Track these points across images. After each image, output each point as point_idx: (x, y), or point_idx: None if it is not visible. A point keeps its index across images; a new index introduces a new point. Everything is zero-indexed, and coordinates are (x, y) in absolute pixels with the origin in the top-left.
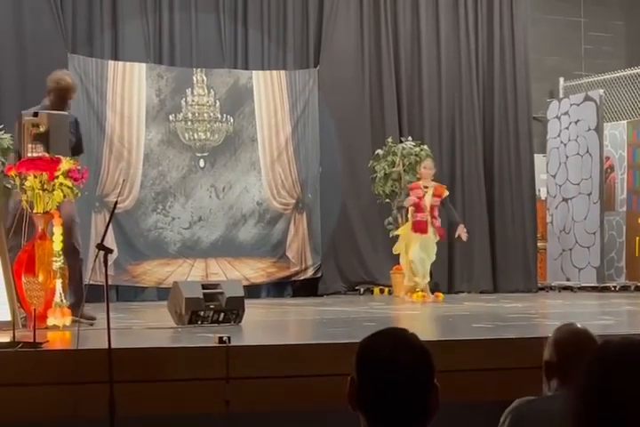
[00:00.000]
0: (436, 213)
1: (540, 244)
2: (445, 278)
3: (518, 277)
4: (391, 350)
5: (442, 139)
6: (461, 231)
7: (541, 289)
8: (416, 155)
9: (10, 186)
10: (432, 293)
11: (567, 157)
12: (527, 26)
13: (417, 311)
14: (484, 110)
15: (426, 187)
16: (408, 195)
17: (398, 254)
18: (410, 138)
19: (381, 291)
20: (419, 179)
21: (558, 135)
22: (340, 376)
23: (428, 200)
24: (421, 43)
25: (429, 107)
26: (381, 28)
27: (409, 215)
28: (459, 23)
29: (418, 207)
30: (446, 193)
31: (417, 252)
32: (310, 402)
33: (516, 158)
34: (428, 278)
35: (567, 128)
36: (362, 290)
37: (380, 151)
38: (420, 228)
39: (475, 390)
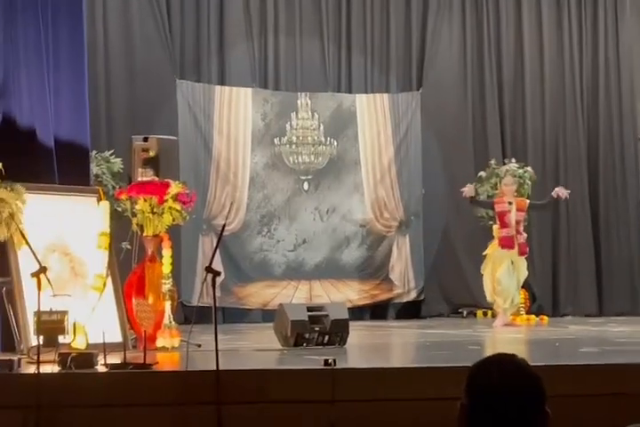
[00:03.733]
0: (521, 229)
1: None
2: (550, 301)
3: (625, 300)
4: (502, 376)
5: (545, 160)
6: (559, 191)
7: None
8: (520, 177)
9: (120, 209)
10: (536, 316)
11: None
12: (633, 46)
13: (521, 335)
14: (588, 131)
15: (510, 203)
16: (493, 209)
17: None
18: (513, 160)
19: (484, 314)
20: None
21: None
22: (446, 400)
23: (513, 216)
24: (525, 63)
25: (533, 128)
26: (484, 49)
27: (494, 232)
28: (562, 43)
29: (503, 223)
30: (527, 202)
31: (505, 271)
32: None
33: (621, 180)
34: (517, 301)
35: None
36: (465, 313)
37: (482, 173)
38: (507, 243)
39: (585, 417)
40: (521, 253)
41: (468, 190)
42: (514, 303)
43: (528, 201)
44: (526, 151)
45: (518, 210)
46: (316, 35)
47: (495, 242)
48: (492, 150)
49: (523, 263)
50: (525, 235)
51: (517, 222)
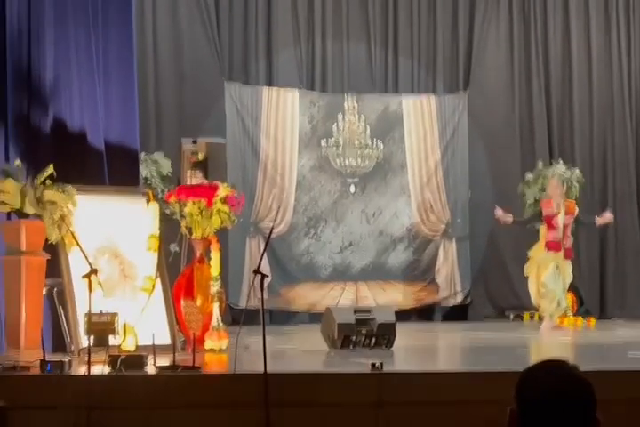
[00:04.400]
0: (569, 232)
1: None
2: (597, 304)
3: None
4: (552, 382)
5: (593, 162)
6: (606, 217)
7: None
8: (567, 179)
9: (169, 212)
10: (583, 318)
11: None
12: None
13: (568, 338)
14: (636, 133)
15: (558, 205)
16: (540, 212)
17: None
18: (561, 161)
19: (531, 317)
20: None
21: None
22: (494, 405)
23: (561, 219)
24: (572, 65)
25: (580, 130)
26: (531, 50)
27: (540, 234)
28: (610, 45)
29: (550, 225)
30: (577, 210)
31: (551, 274)
32: None
33: None
34: (564, 304)
35: None
36: (511, 316)
37: (530, 175)
38: (553, 246)
39: (635, 423)
40: (566, 257)
41: (502, 215)
42: (560, 307)
43: (577, 209)
44: (574, 153)
45: (567, 213)
46: (363, 36)
47: (541, 244)
48: (540, 152)
49: (568, 267)
50: (572, 238)
51: (565, 226)
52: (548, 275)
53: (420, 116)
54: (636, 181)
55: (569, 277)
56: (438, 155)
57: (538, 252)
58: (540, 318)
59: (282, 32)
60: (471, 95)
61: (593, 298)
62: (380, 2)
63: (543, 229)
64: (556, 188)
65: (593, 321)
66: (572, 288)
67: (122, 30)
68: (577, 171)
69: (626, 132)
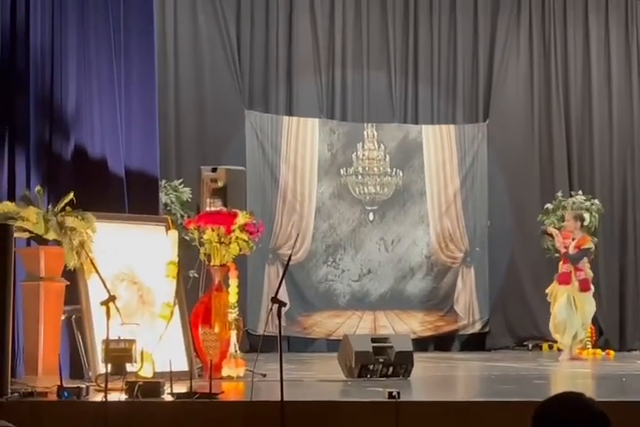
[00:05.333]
0: (580, 265)
1: None
2: (617, 335)
3: None
4: (569, 415)
5: (613, 193)
6: None
7: None
8: (587, 209)
9: (188, 238)
10: (603, 350)
11: None
12: None
13: (587, 369)
14: None
15: (573, 239)
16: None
17: None
18: (580, 192)
19: (550, 347)
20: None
21: None
22: None
23: (571, 252)
24: (592, 95)
25: (600, 160)
26: (551, 80)
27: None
28: (631, 75)
29: (563, 258)
30: (588, 245)
31: (563, 306)
32: None
33: None
34: (582, 336)
35: None
36: (530, 346)
37: (549, 205)
38: (563, 279)
39: None
40: (582, 290)
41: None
42: (576, 340)
43: (590, 245)
44: (593, 184)
45: (576, 247)
46: (383, 66)
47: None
48: (559, 182)
49: (586, 300)
50: (588, 271)
51: None
52: (559, 306)
53: (440, 144)
54: None
55: (589, 311)
56: (457, 184)
57: (553, 285)
58: (560, 349)
59: (302, 60)
60: (491, 125)
61: (613, 329)
62: (400, 31)
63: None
64: (570, 220)
65: (612, 353)
66: (592, 319)
67: (143, 58)
68: (596, 202)
69: None
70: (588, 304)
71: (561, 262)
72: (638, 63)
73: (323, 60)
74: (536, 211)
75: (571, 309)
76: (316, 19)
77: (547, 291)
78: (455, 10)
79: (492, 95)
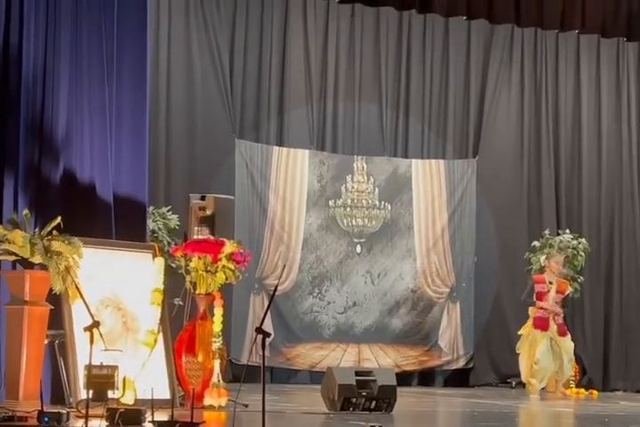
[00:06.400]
0: (559, 310)
1: None
2: (600, 375)
3: None
4: None
5: (600, 232)
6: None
7: None
8: (573, 248)
9: (174, 266)
10: (586, 389)
11: None
12: None
13: (570, 409)
14: None
15: (550, 282)
16: (532, 287)
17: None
18: (567, 230)
19: None
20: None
21: None
22: None
23: (552, 297)
24: (582, 134)
25: (588, 199)
26: (542, 118)
27: (529, 311)
28: (621, 116)
29: (540, 302)
30: (569, 289)
31: (544, 353)
32: None
33: None
34: (568, 374)
35: None
36: (514, 383)
37: (536, 243)
38: (540, 324)
39: None
40: (561, 334)
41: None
42: (564, 375)
43: (570, 289)
44: (581, 222)
45: (558, 292)
46: (375, 99)
47: (530, 322)
48: (547, 220)
49: (566, 343)
50: (562, 315)
51: (556, 304)
52: (541, 352)
53: (429, 179)
54: None
55: (570, 353)
56: (445, 219)
57: (527, 330)
58: (543, 387)
59: (294, 91)
60: (480, 161)
61: (596, 369)
62: (392, 65)
63: (532, 308)
64: (558, 264)
65: (595, 393)
66: (576, 358)
67: (135, 83)
68: (583, 240)
69: (634, 201)
70: (569, 346)
71: (534, 308)
72: (628, 104)
73: (315, 92)
74: (523, 248)
75: (551, 355)
76: (309, 50)
77: (520, 332)
78: (448, 45)
79: (482, 131)
